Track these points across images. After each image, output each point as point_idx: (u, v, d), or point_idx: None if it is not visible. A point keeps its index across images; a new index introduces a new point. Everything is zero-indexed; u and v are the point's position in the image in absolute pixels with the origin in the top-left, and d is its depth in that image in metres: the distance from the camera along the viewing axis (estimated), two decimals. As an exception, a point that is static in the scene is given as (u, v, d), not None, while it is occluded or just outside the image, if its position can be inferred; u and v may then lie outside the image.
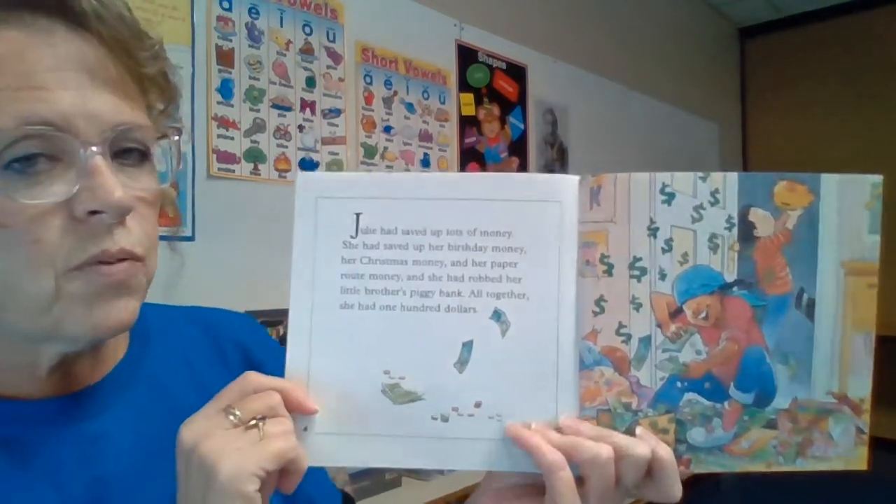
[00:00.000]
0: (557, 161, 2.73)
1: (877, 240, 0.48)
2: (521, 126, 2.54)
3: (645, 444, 0.45)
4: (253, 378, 0.44)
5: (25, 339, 0.45)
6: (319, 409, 0.47)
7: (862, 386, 0.48)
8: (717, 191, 0.47)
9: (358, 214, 0.48)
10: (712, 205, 0.47)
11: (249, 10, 1.69)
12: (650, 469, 0.45)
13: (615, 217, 0.47)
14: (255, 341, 0.63)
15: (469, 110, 2.33)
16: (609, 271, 0.47)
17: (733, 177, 0.47)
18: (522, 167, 2.54)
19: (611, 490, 0.44)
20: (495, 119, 2.43)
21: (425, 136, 2.16)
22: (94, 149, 0.42)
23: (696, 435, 0.47)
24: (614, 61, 3.06)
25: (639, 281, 0.47)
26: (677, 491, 0.45)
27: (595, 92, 2.93)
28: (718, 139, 3.94)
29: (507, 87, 2.48)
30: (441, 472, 1.81)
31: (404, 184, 0.49)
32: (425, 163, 2.16)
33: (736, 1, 3.85)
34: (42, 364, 0.47)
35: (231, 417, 0.42)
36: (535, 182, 0.48)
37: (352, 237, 0.48)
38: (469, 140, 2.32)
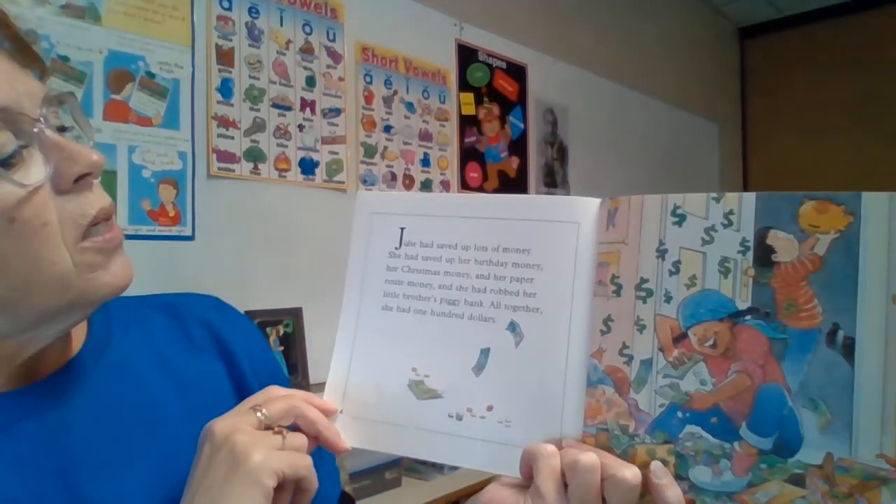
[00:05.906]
0: (557, 160, 2.73)
1: None
2: (521, 125, 2.54)
3: (633, 470, 0.43)
4: (276, 390, 0.49)
5: (50, 317, 0.45)
6: (356, 396, 0.52)
7: None
8: (731, 212, 0.44)
9: (402, 229, 0.54)
10: (725, 227, 0.44)
11: (249, 10, 1.69)
12: None
13: (627, 238, 0.47)
14: (220, 319, 0.63)
15: (469, 110, 2.33)
16: (618, 291, 0.47)
17: (750, 197, 0.43)
18: (522, 167, 2.54)
19: (592, 502, 0.43)
20: (495, 118, 2.43)
21: (425, 136, 2.16)
22: (43, 124, 0.44)
23: (700, 474, 0.43)
24: (614, 61, 3.06)
25: (644, 302, 0.46)
26: None
27: (595, 92, 2.93)
28: (718, 139, 3.94)
29: (507, 86, 2.48)
30: (441, 471, 1.82)
31: (443, 203, 0.55)
32: (425, 162, 2.16)
33: (736, 1, 3.85)
34: (27, 352, 0.47)
35: (258, 415, 0.46)
36: (557, 204, 0.51)
37: (396, 248, 0.54)
38: (469, 139, 2.32)
